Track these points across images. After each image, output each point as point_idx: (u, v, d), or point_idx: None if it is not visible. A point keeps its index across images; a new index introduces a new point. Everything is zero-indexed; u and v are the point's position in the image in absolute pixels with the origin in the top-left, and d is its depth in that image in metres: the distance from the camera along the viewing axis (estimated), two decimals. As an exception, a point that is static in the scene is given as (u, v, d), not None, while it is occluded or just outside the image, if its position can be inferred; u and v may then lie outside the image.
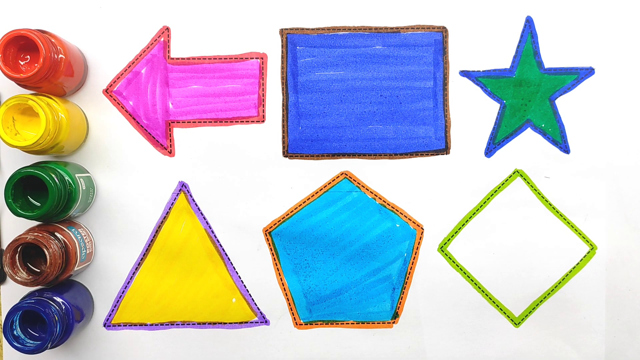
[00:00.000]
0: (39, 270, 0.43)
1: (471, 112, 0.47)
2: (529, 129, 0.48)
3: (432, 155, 0.48)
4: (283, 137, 0.47)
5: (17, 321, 0.41)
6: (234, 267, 0.48)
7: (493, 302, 0.48)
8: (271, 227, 0.48)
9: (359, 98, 0.47)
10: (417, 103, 0.47)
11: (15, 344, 0.41)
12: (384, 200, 0.48)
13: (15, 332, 0.41)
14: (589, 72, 0.47)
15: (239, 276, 0.48)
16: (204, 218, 0.47)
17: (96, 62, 0.47)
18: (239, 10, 0.47)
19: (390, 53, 0.47)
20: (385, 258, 0.48)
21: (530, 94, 0.47)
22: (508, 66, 0.47)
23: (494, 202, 0.48)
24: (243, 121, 0.47)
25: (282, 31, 0.47)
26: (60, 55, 0.42)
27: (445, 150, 0.48)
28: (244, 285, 0.48)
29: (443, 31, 0.47)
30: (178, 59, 0.47)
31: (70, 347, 0.48)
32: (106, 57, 0.47)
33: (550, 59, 0.47)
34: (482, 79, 0.47)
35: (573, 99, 0.47)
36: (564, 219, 0.48)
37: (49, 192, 0.41)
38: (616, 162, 0.47)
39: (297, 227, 0.48)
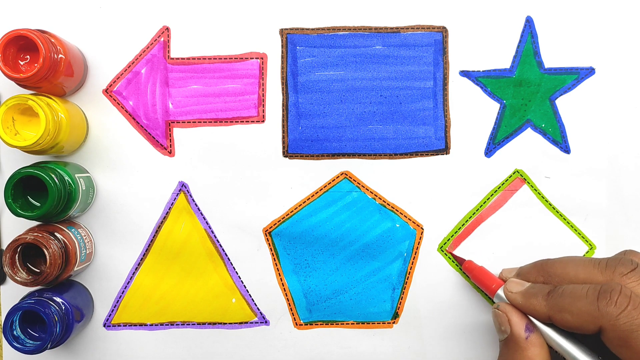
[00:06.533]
0: (38, 271, 0.43)
1: (471, 112, 0.47)
2: (529, 129, 0.48)
3: (432, 155, 0.48)
4: (283, 137, 0.47)
5: (17, 321, 0.41)
6: (234, 267, 0.48)
7: (493, 302, 0.48)
8: (271, 227, 0.48)
9: (359, 98, 0.47)
10: (417, 103, 0.47)
11: (15, 344, 0.41)
12: (384, 200, 0.48)
13: (15, 332, 0.41)
14: (590, 72, 0.47)
15: (239, 276, 0.48)
16: (204, 218, 0.47)
17: (96, 62, 0.47)
18: (239, 10, 0.47)
19: (390, 53, 0.47)
20: (385, 258, 0.48)
21: (530, 94, 0.47)
22: (508, 66, 0.47)
23: (493, 202, 0.48)
24: (243, 121, 0.47)
25: (282, 31, 0.47)
26: (60, 55, 0.42)
27: (445, 150, 0.48)
28: (244, 285, 0.48)
29: (443, 31, 0.47)
30: (178, 59, 0.47)
31: (70, 347, 0.48)
32: (106, 57, 0.47)
33: (551, 59, 0.47)
34: (482, 79, 0.47)
35: (573, 99, 0.47)
36: (564, 219, 0.48)
37: (49, 192, 0.41)
38: (617, 162, 0.47)
39: (297, 227, 0.48)
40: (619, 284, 0.36)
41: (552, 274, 0.41)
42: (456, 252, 0.48)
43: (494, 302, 0.43)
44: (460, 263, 0.47)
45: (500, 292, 0.42)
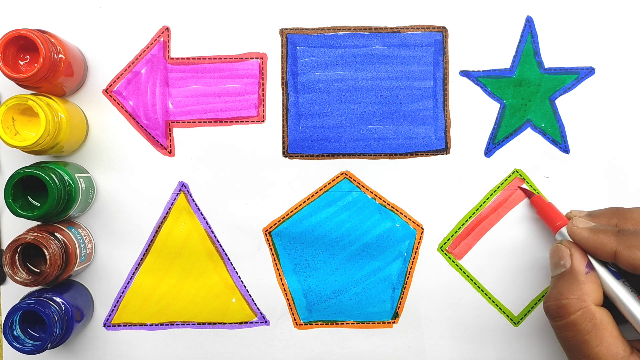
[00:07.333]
0: (38, 271, 0.43)
1: (471, 112, 0.48)
2: (528, 129, 0.48)
3: (432, 155, 0.48)
4: (283, 137, 0.47)
5: (17, 321, 0.41)
6: (234, 267, 0.48)
7: (493, 301, 0.48)
8: (271, 227, 0.48)
9: (359, 98, 0.47)
10: (417, 103, 0.47)
11: (15, 344, 0.41)
12: (384, 200, 0.48)
13: (15, 333, 0.41)
14: (589, 72, 0.47)
15: (239, 276, 0.48)
16: (204, 218, 0.47)
17: (96, 62, 0.47)
18: (239, 10, 0.47)
19: (390, 53, 0.47)
20: (385, 258, 0.48)
21: (530, 94, 0.47)
22: (508, 66, 0.47)
23: (493, 202, 0.48)
24: (243, 121, 0.47)
25: (282, 31, 0.47)
26: (60, 55, 0.42)
27: (445, 150, 0.48)
28: (244, 285, 0.48)
29: (443, 31, 0.47)
30: (178, 59, 0.47)
31: (70, 347, 0.48)
32: (106, 57, 0.47)
33: (551, 58, 0.47)
34: (482, 79, 0.47)
35: (573, 98, 0.47)
36: (564, 218, 0.48)
37: (49, 192, 0.41)
38: (616, 162, 0.47)
39: (297, 227, 0.48)
40: None
41: (629, 218, 0.41)
42: (456, 252, 0.48)
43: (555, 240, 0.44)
44: (528, 196, 0.47)
45: (564, 230, 0.42)
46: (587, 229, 0.41)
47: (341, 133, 0.47)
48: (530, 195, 0.47)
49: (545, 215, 0.45)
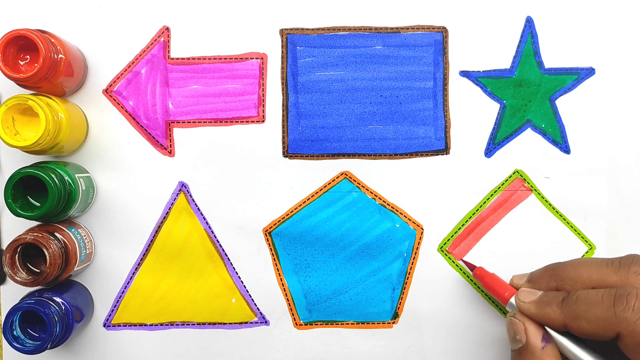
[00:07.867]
0: (38, 271, 0.43)
1: (471, 112, 0.48)
2: (529, 129, 0.48)
3: (432, 155, 0.48)
4: (283, 137, 0.47)
5: (17, 321, 0.41)
6: (233, 267, 0.48)
7: (493, 302, 0.48)
8: (271, 227, 0.48)
9: (359, 98, 0.47)
10: (417, 103, 0.47)
11: (15, 344, 0.41)
12: (384, 201, 0.48)
13: (15, 333, 0.41)
14: (590, 72, 0.47)
15: (239, 276, 0.48)
16: (204, 218, 0.47)
17: (96, 62, 0.47)
18: (239, 10, 0.47)
19: (390, 53, 0.47)
20: (385, 258, 0.48)
21: (530, 94, 0.47)
22: (508, 66, 0.47)
23: (493, 202, 0.48)
24: (243, 121, 0.47)
25: (282, 31, 0.47)
26: (60, 55, 0.42)
27: (445, 150, 0.48)
28: (244, 285, 0.48)
29: (443, 31, 0.47)
30: (178, 59, 0.47)
31: (70, 347, 0.48)
32: (106, 57, 0.47)
33: (551, 59, 0.47)
34: (482, 79, 0.47)
35: (573, 99, 0.47)
36: (564, 219, 0.48)
37: (49, 192, 0.41)
38: (617, 162, 0.47)
39: (297, 227, 0.48)
40: (635, 287, 0.35)
41: (565, 277, 0.40)
42: (456, 252, 0.48)
43: (505, 309, 0.42)
44: (470, 269, 0.46)
45: (513, 300, 0.41)
46: (533, 303, 0.39)
47: (341, 133, 0.47)
48: (472, 268, 0.46)
49: (490, 288, 0.44)
